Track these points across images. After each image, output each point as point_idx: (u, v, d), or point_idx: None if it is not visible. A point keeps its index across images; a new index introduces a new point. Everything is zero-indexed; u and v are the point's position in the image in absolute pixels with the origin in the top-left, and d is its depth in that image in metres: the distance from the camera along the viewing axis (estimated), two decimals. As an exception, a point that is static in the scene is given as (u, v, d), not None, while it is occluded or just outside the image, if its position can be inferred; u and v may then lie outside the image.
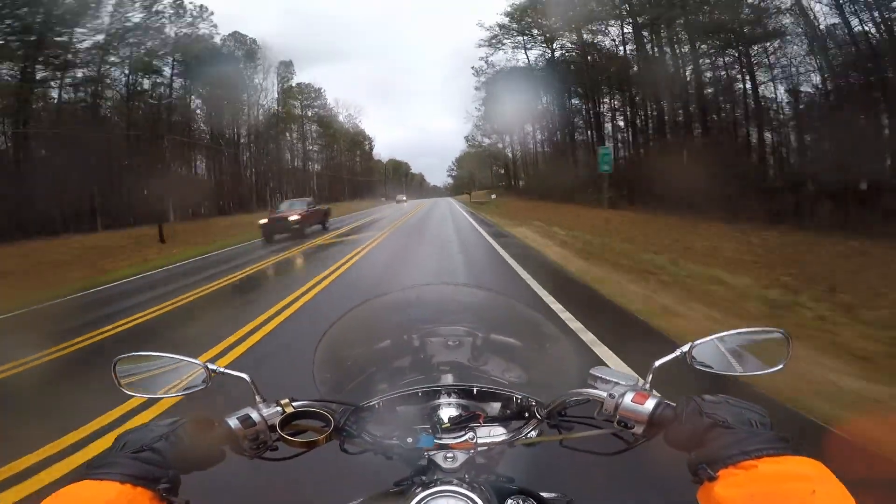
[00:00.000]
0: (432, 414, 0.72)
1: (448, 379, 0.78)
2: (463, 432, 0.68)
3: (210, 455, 0.61)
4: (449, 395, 0.74)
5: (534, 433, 0.70)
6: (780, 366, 0.67)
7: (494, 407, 0.75)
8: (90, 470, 0.52)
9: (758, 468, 0.48)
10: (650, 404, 0.60)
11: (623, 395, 0.62)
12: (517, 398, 0.73)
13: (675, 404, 0.60)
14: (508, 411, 0.74)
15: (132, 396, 0.73)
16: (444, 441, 0.67)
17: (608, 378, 0.65)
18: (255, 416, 0.64)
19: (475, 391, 0.73)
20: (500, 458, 0.73)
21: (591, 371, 0.67)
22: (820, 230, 11.47)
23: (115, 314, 6.35)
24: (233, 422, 0.63)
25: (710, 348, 0.69)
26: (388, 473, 0.69)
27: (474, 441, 0.67)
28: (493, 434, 0.69)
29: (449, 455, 0.66)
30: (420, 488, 0.59)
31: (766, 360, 0.68)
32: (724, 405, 0.56)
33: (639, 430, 0.61)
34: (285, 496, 1.80)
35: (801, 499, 0.45)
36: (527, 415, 0.72)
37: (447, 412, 0.71)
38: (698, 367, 0.67)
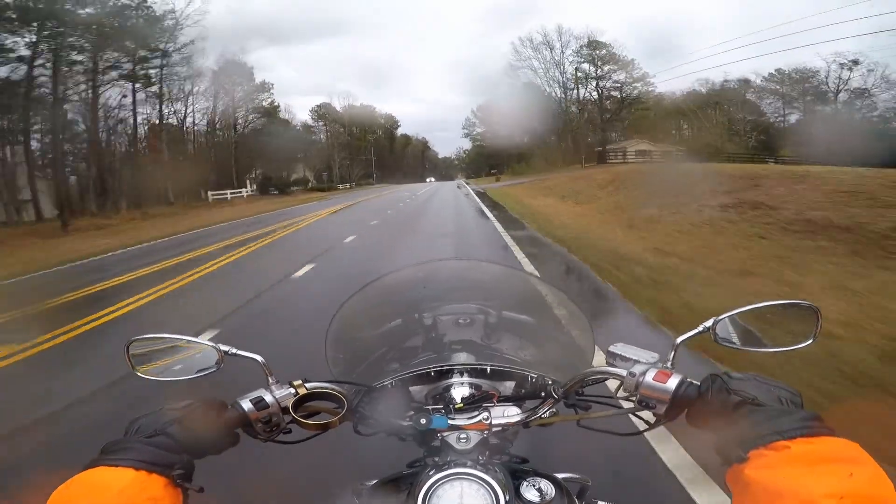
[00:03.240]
0: (445, 394, 0.71)
1: (461, 358, 0.77)
2: (477, 412, 0.67)
3: (223, 439, 0.60)
4: (462, 374, 0.72)
5: (549, 413, 0.68)
6: (810, 340, 0.64)
7: (508, 386, 0.74)
8: (104, 455, 0.51)
9: (791, 449, 0.46)
10: (673, 382, 0.58)
11: (644, 373, 0.60)
12: (532, 377, 0.72)
13: (699, 382, 0.58)
14: (523, 391, 0.72)
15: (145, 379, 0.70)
16: (457, 422, 0.66)
17: (628, 356, 0.63)
18: (268, 398, 0.63)
19: (489, 370, 0.72)
20: (515, 438, 0.72)
21: (609, 348, 0.66)
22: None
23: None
24: (245, 404, 0.62)
25: (734, 323, 0.66)
26: (402, 455, 0.68)
27: (488, 422, 0.66)
28: (508, 414, 0.68)
29: (462, 436, 0.65)
30: (433, 470, 0.58)
31: (793, 335, 0.66)
32: (752, 382, 0.55)
33: (661, 409, 0.59)
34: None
35: (837, 481, 0.43)
36: (542, 394, 0.70)
37: (460, 392, 0.70)
38: (722, 343, 0.65)
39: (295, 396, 0.64)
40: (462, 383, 0.71)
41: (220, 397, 0.63)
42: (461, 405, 0.67)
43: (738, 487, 0.48)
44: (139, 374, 0.70)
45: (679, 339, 0.63)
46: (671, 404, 0.58)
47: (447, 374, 0.73)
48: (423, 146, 49.94)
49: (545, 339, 0.85)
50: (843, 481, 0.43)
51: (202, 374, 0.69)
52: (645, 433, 0.64)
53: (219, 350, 0.68)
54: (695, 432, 0.59)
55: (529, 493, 0.58)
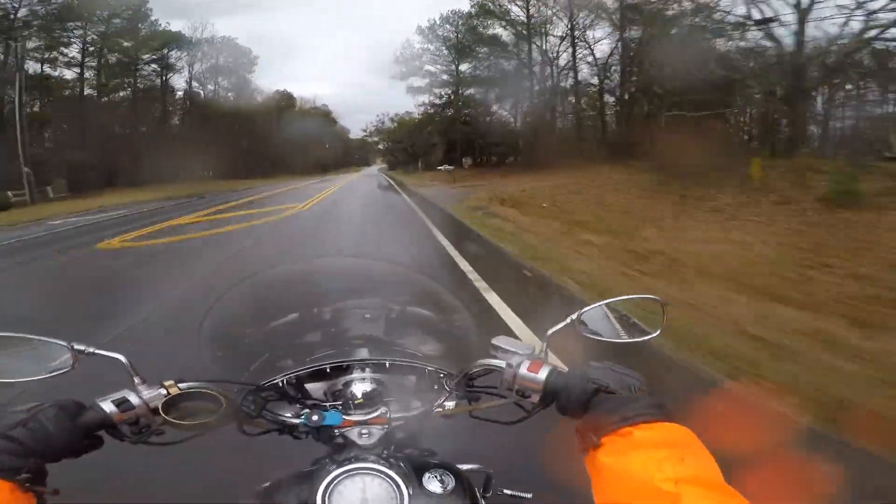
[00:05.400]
0: (345, 390, 0.70)
1: (360, 353, 0.76)
2: (377, 407, 0.67)
3: (81, 441, 0.56)
4: (362, 369, 0.72)
5: (448, 405, 0.70)
6: (658, 331, 0.72)
7: (409, 380, 0.75)
8: None
9: (634, 435, 0.50)
10: (543, 373, 0.62)
11: (520, 364, 0.62)
12: (429, 370, 0.74)
13: (566, 371, 0.62)
14: (423, 384, 0.74)
15: None
16: (355, 417, 0.66)
17: (507, 347, 0.66)
18: (133, 398, 0.58)
19: (388, 365, 0.73)
20: (420, 431, 0.72)
21: (492, 341, 0.68)
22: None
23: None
24: (107, 405, 0.57)
25: (598, 315, 0.72)
26: (301, 455, 0.66)
27: (388, 416, 0.67)
28: (408, 407, 0.69)
29: (364, 431, 0.65)
30: (334, 466, 0.57)
31: (647, 326, 0.73)
32: (608, 371, 0.60)
33: (535, 398, 0.62)
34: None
35: (672, 466, 0.46)
36: (436, 387, 0.72)
37: (360, 387, 0.70)
38: (586, 335, 0.70)
39: (166, 397, 0.60)
40: (363, 379, 0.71)
41: (78, 399, 0.57)
42: (361, 400, 0.68)
43: (595, 472, 0.51)
44: None
45: (549, 332, 0.68)
46: (544, 393, 0.62)
47: (346, 370, 0.72)
48: (325, 118, 27.50)
49: (442, 334, 0.87)
50: (676, 466, 0.46)
51: (54, 374, 0.62)
52: (524, 421, 0.66)
53: (73, 350, 0.61)
54: None
55: (431, 484, 0.58)
